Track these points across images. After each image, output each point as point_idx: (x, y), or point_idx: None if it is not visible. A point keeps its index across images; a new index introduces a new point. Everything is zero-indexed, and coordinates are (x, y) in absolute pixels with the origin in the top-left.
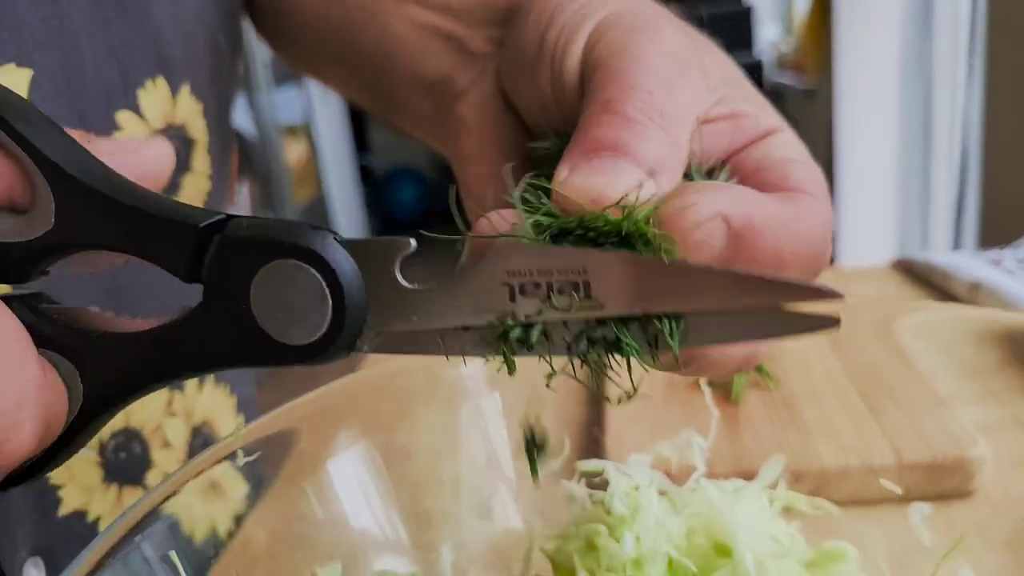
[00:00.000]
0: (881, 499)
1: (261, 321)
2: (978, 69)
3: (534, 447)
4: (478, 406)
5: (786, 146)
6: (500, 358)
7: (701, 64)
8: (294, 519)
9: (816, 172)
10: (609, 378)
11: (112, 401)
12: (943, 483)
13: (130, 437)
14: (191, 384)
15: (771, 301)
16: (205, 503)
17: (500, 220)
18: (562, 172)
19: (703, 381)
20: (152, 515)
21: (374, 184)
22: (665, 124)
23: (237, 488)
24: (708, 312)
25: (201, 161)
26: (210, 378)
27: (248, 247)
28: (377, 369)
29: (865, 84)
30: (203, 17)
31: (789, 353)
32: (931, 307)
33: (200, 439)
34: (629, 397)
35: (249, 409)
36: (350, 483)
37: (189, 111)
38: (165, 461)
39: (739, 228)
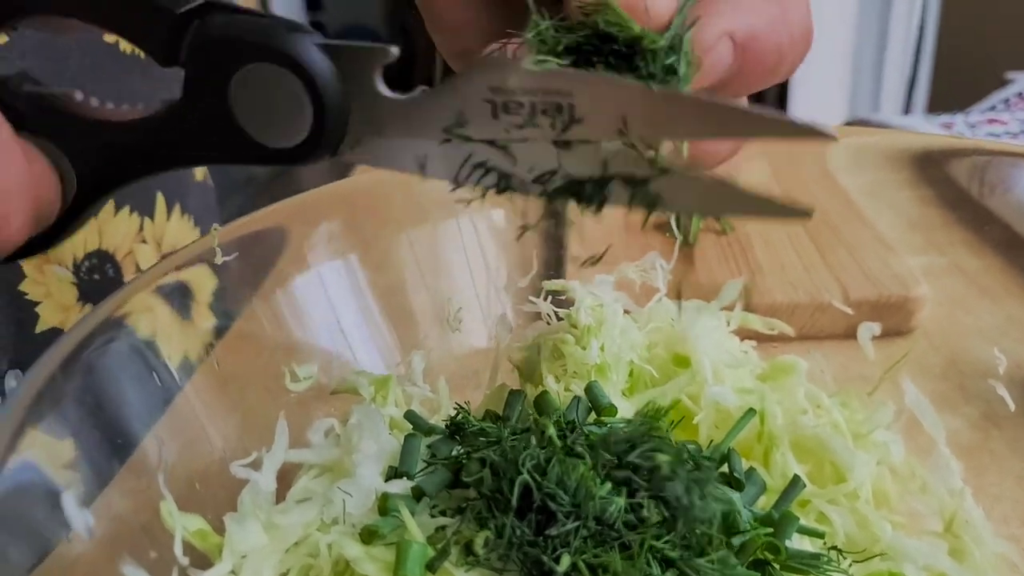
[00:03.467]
0: (827, 335)
1: (242, 122)
2: None
3: None
4: (456, 222)
5: None
6: (473, 185)
7: None
8: (273, 320)
9: None
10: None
11: (103, 187)
12: (886, 320)
13: (103, 259)
14: (160, 212)
15: (761, 135)
16: (175, 322)
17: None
18: None
19: (672, 216)
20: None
21: (320, 28)
22: None
23: (207, 319)
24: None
25: None
26: (176, 208)
27: (224, 47)
28: (358, 178)
29: None
30: None
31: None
32: (855, 132)
33: None
34: (593, 262)
35: None
36: (328, 286)
37: None
38: None
39: (744, 41)
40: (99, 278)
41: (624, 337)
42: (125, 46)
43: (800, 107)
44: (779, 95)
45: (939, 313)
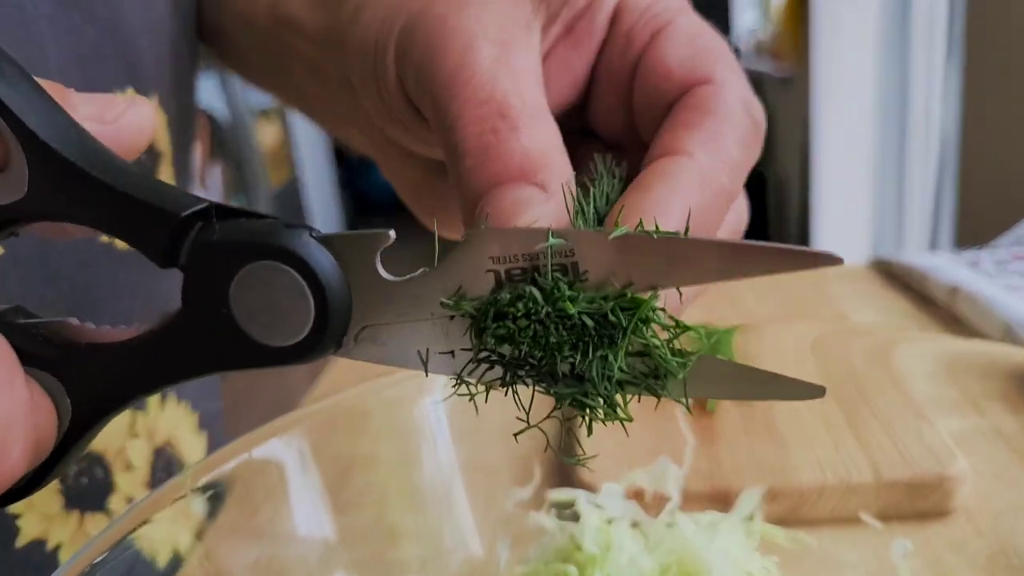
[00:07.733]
0: (859, 518)
1: (243, 324)
2: (956, 60)
3: None
4: (441, 438)
5: (639, 27)
6: (474, 383)
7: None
8: (252, 549)
9: (704, 40)
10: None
11: (100, 412)
12: (922, 501)
13: (92, 462)
14: (153, 402)
15: (766, 271)
16: (165, 530)
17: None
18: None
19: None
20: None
21: (348, 166)
22: (516, 123)
23: (198, 510)
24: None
25: (166, 175)
26: (171, 395)
27: (223, 250)
28: (333, 401)
29: (842, 71)
30: (166, 25)
31: (766, 361)
32: (930, 339)
33: (163, 460)
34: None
35: (212, 424)
36: (308, 515)
37: (156, 124)
38: (127, 484)
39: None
40: (87, 482)
41: (632, 567)
42: (120, 243)
43: (823, 244)
44: (800, 235)
45: (980, 488)
